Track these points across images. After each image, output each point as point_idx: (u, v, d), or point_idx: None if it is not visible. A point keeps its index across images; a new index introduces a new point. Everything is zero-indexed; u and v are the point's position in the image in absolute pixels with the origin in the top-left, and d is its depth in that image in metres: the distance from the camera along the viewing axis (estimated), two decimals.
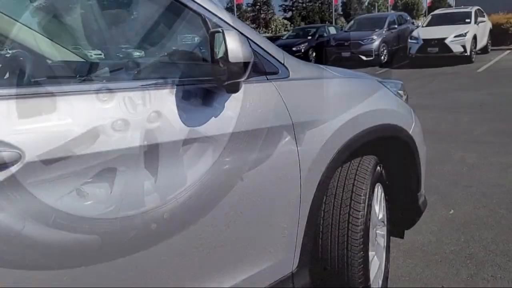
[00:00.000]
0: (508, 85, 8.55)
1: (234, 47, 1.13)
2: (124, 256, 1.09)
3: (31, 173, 0.94)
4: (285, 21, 55.98)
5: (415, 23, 18.43)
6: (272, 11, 57.65)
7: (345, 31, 15.88)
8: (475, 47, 13.29)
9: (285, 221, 1.45)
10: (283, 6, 61.19)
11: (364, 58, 13.56)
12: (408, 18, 17.11)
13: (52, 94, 1.02)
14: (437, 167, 3.84)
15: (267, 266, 1.42)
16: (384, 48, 13.98)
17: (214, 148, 1.23)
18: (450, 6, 71.26)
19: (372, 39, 13.77)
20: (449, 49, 12.66)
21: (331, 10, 44.99)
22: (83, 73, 1.60)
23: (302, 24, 46.13)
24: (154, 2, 1.51)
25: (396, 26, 15.09)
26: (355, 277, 1.63)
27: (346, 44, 13.91)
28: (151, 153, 1.11)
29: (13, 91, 0.99)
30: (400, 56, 14.10)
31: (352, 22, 17.14)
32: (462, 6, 15.65)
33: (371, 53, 13.57)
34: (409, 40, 13.68)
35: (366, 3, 75.39)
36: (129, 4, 2.01)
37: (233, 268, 1.33)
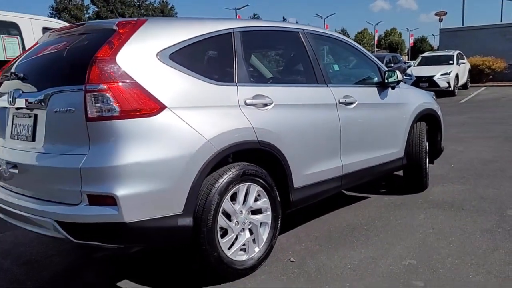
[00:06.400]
0: (483, 112, 11.52)
1: (399, 75, 3.84)
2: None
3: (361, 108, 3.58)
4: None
5: (406, 62, 21.75)
6: None
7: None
8: (457, 84, 16.45)
9: (402, 135, 4.11)
10: None
11: None
12: (401, 58, 20.38)
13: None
14: None
15: (397, 150, 4.08)
16: None
17: (386, 108, 3.93)
18: (431, 46, 75.88)
19: None
20: (436, 85, 15.75)
21: None
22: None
23: None
24: (360, 59, 4.19)
25: (392, 64, 18.22)
26: (423, 162, 4.29)
27: None
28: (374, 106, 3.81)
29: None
30: None
31: None
32: (446, 50, 18.91)
33: None
34: (404, 77, 16.76)
35: None
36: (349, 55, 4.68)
37: (386, 147, 3.97)
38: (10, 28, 5.16)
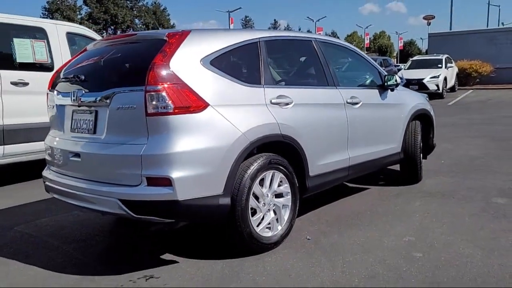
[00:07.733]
0: (471, 113, 12.15)
1: (398, 79, 4.34)
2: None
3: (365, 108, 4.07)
4: None
5: (397, 65, 22.43)
6: None
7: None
8: (445, 86, 17.12)
9: (400, 132, 4.62)
10: None
11: None
12: (392, 61, 21.04)
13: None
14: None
15: (395, 146, 4.58)
16: None
17: (386, 108, 4.43)
18: (419, 50, 76.94)
19: None
20: (426, 87, 16.39)
21: None
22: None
23: None
24: (363, 64, 4.68)
25: (383, 67, 18.83)
26: (418, 157, 4.79)
27: None
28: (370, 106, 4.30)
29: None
30: None
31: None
32: (435, 54, 19.60)
33: None
34: None
35: None
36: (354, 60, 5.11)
37: (386, 143, 4.47)
38: (38, 33, 5.56)
